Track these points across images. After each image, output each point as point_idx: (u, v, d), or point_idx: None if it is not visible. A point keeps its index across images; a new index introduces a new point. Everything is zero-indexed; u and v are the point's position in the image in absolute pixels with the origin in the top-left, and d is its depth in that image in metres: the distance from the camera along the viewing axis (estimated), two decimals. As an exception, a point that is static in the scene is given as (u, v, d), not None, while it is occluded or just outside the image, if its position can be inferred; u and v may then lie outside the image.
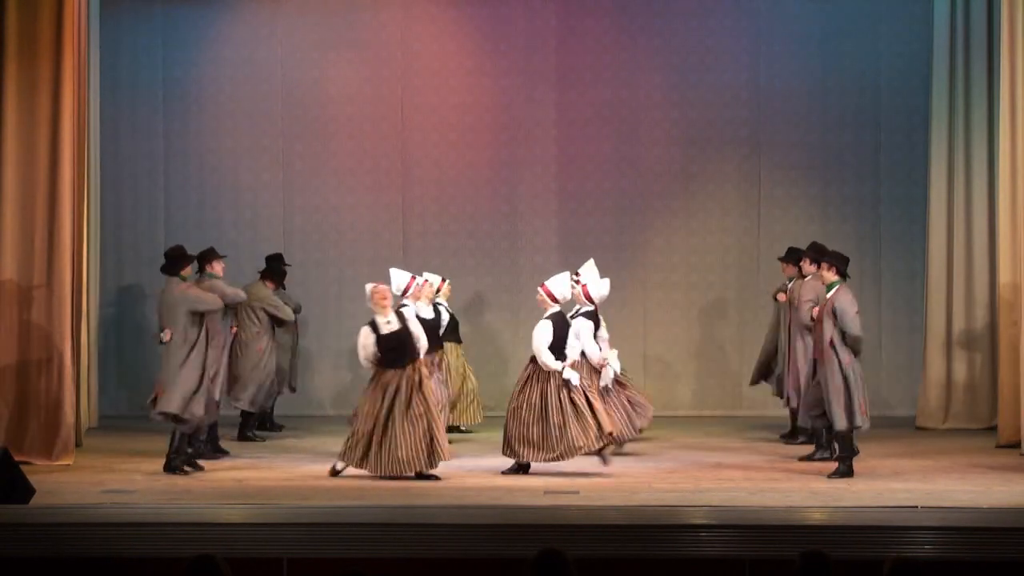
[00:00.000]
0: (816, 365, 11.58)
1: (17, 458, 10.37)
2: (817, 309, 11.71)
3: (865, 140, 15.39)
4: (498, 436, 13.30)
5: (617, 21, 15.50)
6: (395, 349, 11.29)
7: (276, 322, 13.58)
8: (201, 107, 15.70)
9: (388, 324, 11.36)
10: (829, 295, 11.42)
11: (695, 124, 15.50)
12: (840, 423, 11.18)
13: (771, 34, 15.42)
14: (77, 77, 12.35)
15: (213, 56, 15.66)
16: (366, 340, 11.34)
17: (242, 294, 12.55)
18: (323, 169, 15.70)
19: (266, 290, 13.64)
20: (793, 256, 13.22)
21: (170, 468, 11.44)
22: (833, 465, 11.38)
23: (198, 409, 11.42)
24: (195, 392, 11.40)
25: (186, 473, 11.44)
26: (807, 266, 12.59)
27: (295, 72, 15.66)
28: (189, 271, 11.92)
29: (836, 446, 11.53)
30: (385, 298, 11.48)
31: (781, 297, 13.28)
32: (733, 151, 15.51)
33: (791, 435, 13.21)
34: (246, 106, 15.68)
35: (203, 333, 11.49)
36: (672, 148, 15.54)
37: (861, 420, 11.20)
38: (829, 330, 11.24)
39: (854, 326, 11.24)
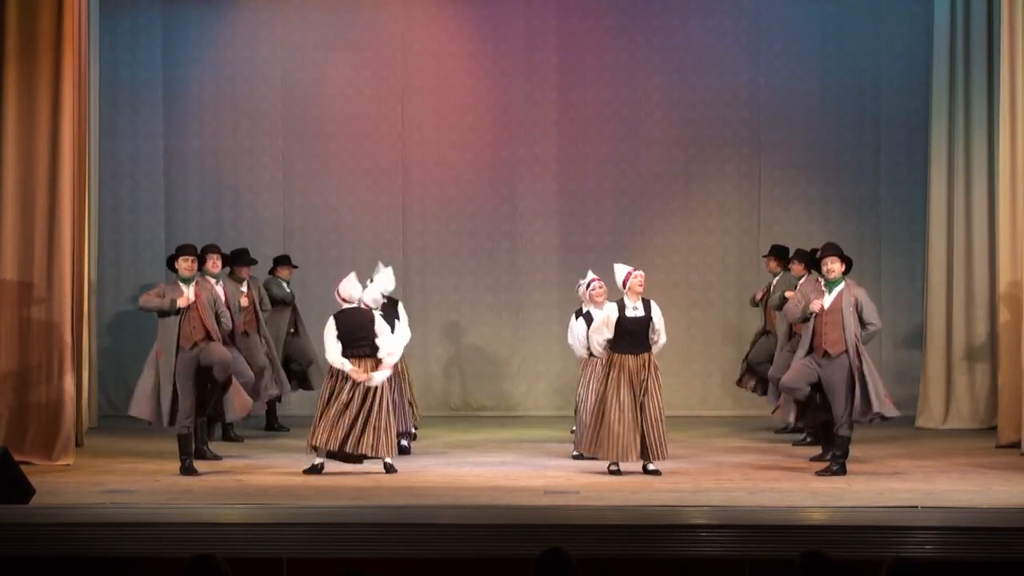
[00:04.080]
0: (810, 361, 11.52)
1: (17, 458, 10.35)
2: (817, 304, 11.57)
3: (865, 140, 15.39)
4: (497, 436, 13.38)
5: (617, 21, 15.50)
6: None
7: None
8: (201, 107, 15.69)
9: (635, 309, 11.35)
10: (840, 289, 11.37)
11: (695, 124, 15.49)
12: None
13: (771, 34, 15.42)
14: (77, 77, 12.34)
15: (213, 56, 15.66)
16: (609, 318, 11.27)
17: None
18: (323, 169, 15.69)
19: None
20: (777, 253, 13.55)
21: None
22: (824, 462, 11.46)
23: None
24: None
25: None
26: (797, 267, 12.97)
27: (295, 72, 15.65)
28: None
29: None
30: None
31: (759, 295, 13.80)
32: (733, 151, 15.50)
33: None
34: (246, 106, 15.67)
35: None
36: (672, 148, 15.53)
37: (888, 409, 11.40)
38: (852, 325, 11.25)
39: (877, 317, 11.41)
